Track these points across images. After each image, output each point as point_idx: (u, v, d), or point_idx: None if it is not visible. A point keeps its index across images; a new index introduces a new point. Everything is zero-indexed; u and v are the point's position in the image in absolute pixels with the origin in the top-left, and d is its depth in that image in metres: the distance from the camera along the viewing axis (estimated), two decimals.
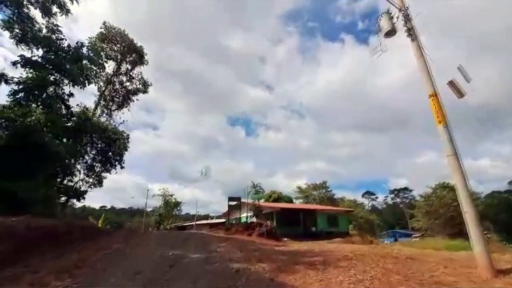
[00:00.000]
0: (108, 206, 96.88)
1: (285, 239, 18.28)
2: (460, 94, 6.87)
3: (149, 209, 45.02)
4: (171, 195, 45.00)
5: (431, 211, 37.24)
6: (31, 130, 14.42)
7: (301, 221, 24.96)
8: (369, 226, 53.29)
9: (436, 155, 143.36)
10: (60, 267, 5.24)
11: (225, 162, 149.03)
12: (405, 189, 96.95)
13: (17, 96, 14.11)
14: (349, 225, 33.43)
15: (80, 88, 15.83)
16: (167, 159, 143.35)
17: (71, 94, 15.98)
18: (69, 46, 14.92)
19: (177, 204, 45.92)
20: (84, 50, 15.27)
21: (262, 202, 27.30)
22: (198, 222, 40.52)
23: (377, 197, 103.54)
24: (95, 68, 16.40)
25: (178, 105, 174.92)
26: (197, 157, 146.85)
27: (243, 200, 21.45)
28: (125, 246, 7.66)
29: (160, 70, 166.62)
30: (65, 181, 17.12)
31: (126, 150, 18.66)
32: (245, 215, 24.81)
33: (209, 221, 41.41)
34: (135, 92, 24.15)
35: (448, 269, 5.71)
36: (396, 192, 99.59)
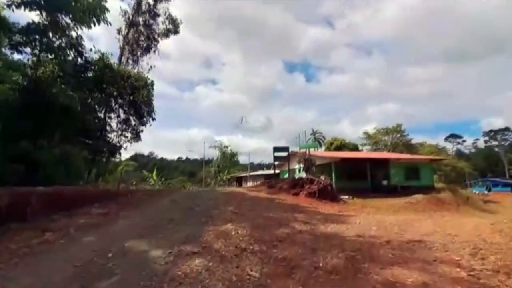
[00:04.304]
0: (184, 158, 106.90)
1: (346, 197, 14.49)
2: None
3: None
4: (227, 147, 45.05)
5: None
6: (44, 84, 13.01)
7: (368, 173, 20.39)
8: (456, 175, 44.48)
9: None
10: None
11: (286, 111, 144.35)
12: (506, 129, 78.81)
13: (20, 46, 12.52)
14: (434, 176, 27.10)
15: (86, 28, 13.40)
16: (229, 112, 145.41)
17: (80, 37, 13.86)
18: None
19: (234, 155, 46.08)
20: None
21: (317, 152, 23.32)
22: (252, 173, 39.65)
23: (464, 141, 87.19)
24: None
25: (234, 56, 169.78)
26: (257, 107, 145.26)
27: (292, 150, 17.86)
28: (82, 227, 5.22)
29: (213, 20, 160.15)
30: (99, 137, 16.15)
31: (150, 99, 16.42)
32: (297, 167, 21.48)
33: (263, 172, 40.12)
34: (166, 33, 21.19)
35: None
36: (493, 133, 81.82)
